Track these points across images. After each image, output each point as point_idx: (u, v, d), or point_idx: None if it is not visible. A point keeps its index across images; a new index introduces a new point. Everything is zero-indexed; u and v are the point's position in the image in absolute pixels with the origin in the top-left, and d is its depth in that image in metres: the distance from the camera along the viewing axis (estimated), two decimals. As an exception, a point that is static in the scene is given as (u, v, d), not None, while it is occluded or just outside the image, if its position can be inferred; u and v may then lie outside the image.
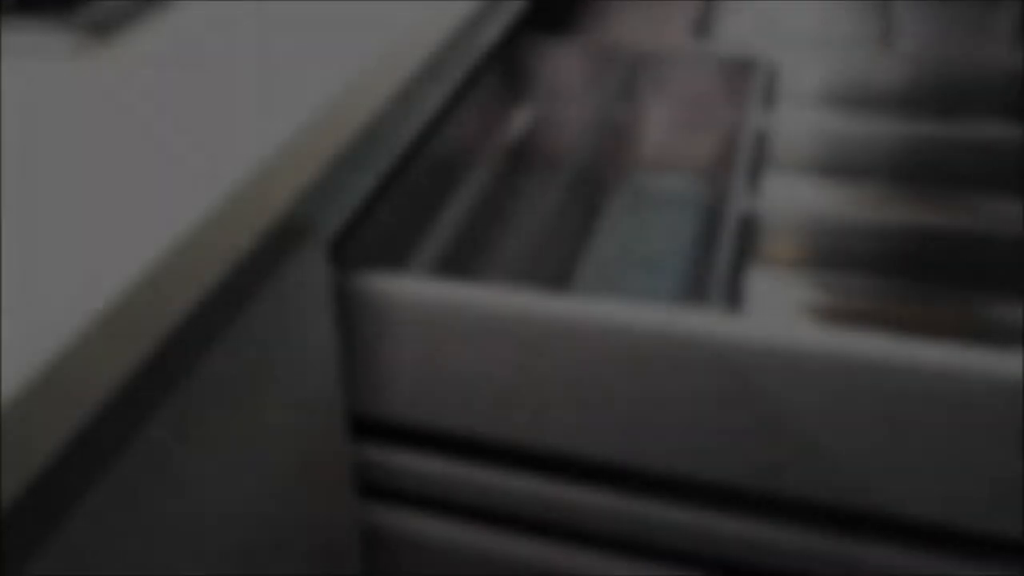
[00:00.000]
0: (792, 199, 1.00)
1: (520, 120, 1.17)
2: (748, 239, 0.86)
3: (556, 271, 0.89)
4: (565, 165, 0.90)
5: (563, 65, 1.14)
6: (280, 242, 0.56)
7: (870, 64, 1.05)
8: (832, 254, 0.88)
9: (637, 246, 0.97)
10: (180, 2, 0.71)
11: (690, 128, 1.13)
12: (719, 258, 0.75)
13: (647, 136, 1.14)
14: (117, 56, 0.63)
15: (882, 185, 0.99)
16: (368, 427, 0.72)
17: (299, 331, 0.58)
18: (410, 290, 0.64)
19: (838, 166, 0.99)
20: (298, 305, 0.57)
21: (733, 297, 0.85)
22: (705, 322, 0.58)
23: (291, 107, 0.55)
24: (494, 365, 0.64)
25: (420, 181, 0.89)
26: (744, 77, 1.05)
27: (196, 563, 0.50)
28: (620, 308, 0.60)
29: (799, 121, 0.99)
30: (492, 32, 0.90)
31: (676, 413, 0.61)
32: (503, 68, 1.09)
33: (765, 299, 0.90)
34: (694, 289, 0.88)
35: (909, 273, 0.86)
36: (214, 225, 0.46)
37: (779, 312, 0.88)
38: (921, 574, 0.63)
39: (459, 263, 0.95)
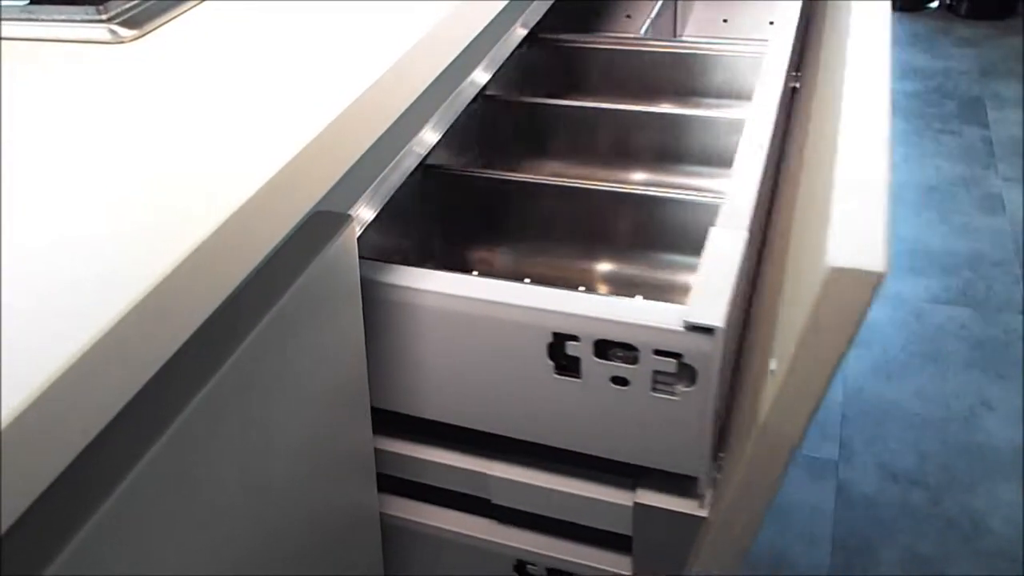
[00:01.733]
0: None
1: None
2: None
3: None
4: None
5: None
6: (315, 232, 0.56)
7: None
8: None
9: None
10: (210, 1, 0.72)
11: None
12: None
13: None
14: (150, 49, 0.64)
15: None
16: (380, 419, 0.72)
17: (332, 320, 0.57)
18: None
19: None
20: (331, 295, 0.57)
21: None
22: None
23: (323, 101, 0.55)
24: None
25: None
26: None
27: (220, 557, 0.49)
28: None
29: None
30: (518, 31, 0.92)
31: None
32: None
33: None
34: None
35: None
36: (251, 214, 0.46)
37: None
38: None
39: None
